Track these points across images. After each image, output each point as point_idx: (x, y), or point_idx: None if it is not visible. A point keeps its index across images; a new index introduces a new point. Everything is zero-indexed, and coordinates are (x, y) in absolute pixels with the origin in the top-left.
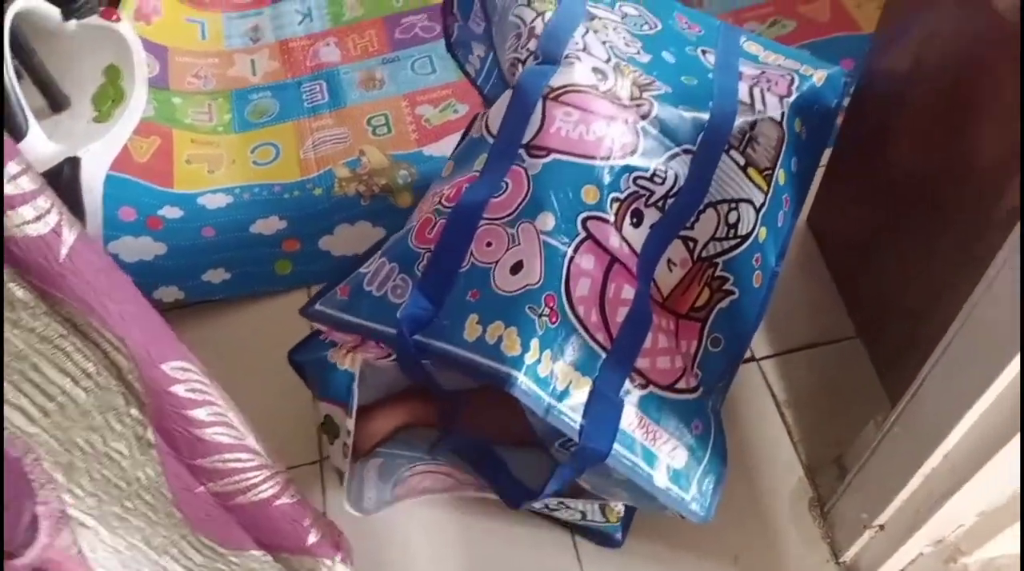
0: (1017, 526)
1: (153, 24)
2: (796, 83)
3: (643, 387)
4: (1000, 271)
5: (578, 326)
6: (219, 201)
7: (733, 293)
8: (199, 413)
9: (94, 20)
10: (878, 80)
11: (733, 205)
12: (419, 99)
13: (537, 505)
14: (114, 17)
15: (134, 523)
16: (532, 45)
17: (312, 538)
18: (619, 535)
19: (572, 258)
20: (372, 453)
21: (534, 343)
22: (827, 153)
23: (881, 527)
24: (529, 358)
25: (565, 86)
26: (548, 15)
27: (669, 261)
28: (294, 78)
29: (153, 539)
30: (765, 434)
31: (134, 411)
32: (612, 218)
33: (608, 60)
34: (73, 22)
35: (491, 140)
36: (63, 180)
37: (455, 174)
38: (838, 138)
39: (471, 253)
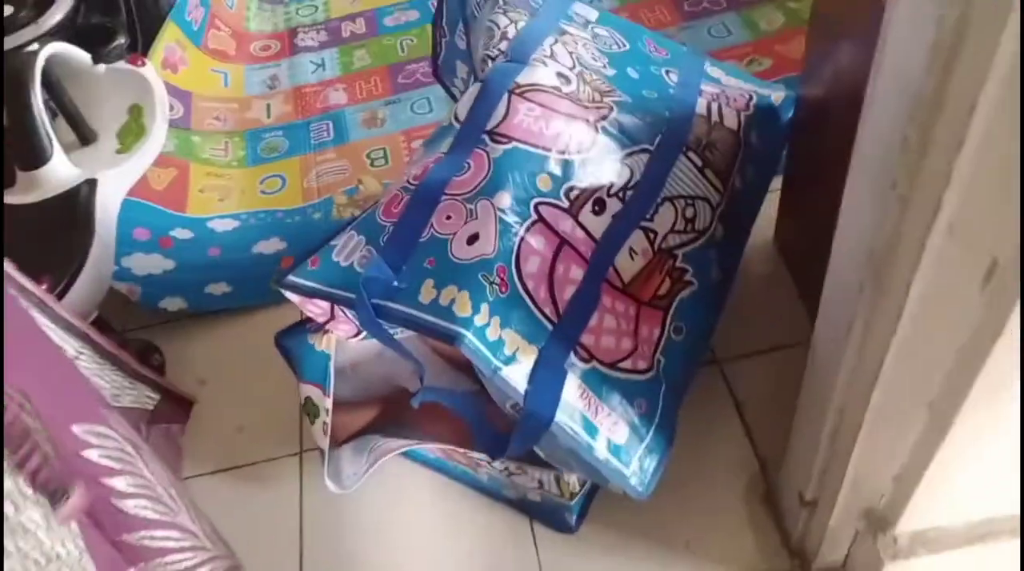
0: (932, 495)
1: (180, 73)
2: (754, 100)
3: (586, 361)
4: None
5: (527, 298)
6: (227, 225)
7: (693, 284)
8: (118, 482)
9: (121, 64)
10: (809, 107)
11: (690, 201)
12: (415, 134)
13: (498, 466)
14: (139, 62)
15: None
16: (503, 46)
17: None
18: (573, 519)
19: (523, 238)
20: (345, 441)
21: (484, 307)
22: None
23: (813, 503)
24: (479, 320)
25: (531, 84)
26: (521, 24)
27: (631, 249)
28: (304, 119)
29: None
30: (722, 432)
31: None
32: (567, 205)
33: (572, 67)
34: (102, 66)
35: (458, 126)
36: (80, 198)
37: (423, 156)
38: (790, 158)
39: (431, 225)
